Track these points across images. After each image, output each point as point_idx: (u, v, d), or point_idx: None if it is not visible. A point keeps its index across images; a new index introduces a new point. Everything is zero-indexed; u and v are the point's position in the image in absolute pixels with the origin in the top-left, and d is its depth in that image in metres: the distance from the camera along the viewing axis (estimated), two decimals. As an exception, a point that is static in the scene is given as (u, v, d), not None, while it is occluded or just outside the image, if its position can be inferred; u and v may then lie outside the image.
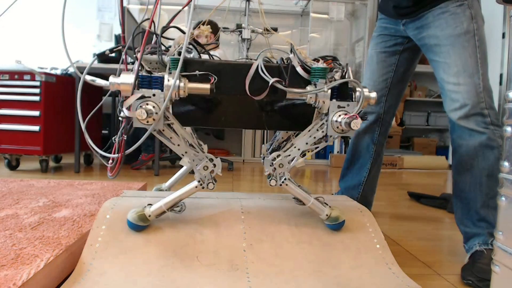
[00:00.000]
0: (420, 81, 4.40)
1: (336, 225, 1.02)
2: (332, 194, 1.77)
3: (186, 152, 0.93)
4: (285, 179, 0.97)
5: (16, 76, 2.56)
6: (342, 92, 0.93)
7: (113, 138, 0.95)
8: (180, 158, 0.98)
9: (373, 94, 0.94)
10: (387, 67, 1.42)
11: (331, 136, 0.94)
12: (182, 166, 1.19)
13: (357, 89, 0.93)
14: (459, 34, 1.14)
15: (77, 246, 0.91)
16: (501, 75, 3.39)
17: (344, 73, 0.94)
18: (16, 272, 0.71)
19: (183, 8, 1.01)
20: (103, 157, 0.91)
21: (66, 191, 1.45)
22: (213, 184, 0.96)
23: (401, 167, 3.82)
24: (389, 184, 2.81)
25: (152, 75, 0.88)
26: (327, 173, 3.37)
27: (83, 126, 0.88)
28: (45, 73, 2.59)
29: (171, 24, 0.97)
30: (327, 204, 1.02)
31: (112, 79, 0.86)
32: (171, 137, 0.91)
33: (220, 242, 0.96)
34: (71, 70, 2.90)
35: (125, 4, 3.79)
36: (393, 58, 1.41)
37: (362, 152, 1.53)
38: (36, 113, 2.55)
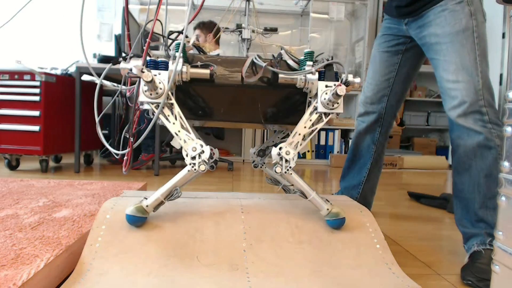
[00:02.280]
0: (420, 81, 4.40)
1: (337, 221, 1.01)
2: (332, 194, 1.78)
3: (179, 131, 0.96)
4: (290, 167, 0.98)
5: (16, 76, 2.56)
6: (329, 76, 1.02)
7: (124, 133, 1.02)
8: (182, 158, 1.00)
9: (357, 80, 1.01)
10: (390, 67, 1.42)
11: (325, 114, 1.00)
12: (183, 167, 1.20)
13: (341, 71, 1.02)
14: (457, 31, 1.14)
15: (77, 246, 0.91)
16: (501, 75, 3.39)
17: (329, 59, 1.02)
18: (16, 272, 0.71)
19: (194, 16, 1.05)
20: (113, 152, 0.99)
21: (66, 191, 1.45)
22: (205, 165, 0.96)
23: (401, 167, 3.83)
24: (389, 184, 2.81)
25: (158, 59, 0.99)
26: (327, 173, 3.37)
27: (97, 120, 0.96)
28: (45, 73, 2.59)
29: (171, 22, 1.00)
30: (328, 201, 1.02)
31: (122, 65, 0.95)
32: (168, 115, 0.97)
33: (220, 242, 0.96)
34: (71, 70, 2.90)
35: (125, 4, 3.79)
36: (396, 58, 1.41)
37: (362, 152, 1.53)
38: (36, 113, 2.55)
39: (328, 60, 1.02)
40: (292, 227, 1.03)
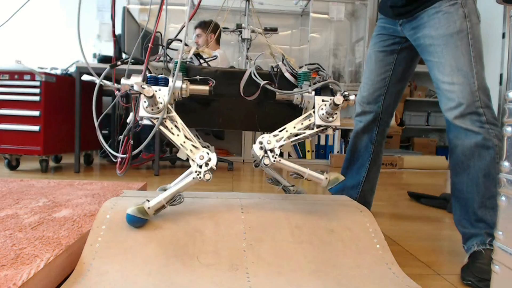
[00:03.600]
0: (420, 81, 4.40)
1: (339, 185, 1.05)
2: (332, 194, 1.77)
3: (184, 142, 0.97)
4: (277, 155, 0.98)
5: (16, 76, 2.56)
6: (325, 94, 1.05)
7: (119, 137, 1.03)
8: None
9: (352, 97, 1.00)
10: (385, 66, 1.42)
11: (319, 128, 1.01)
12: (183, 168, 1.21)
13: (337, 89, 1.03)
14: (451, 33, 1.14)
15: (77, 246, 0.91)
16: (501, 75, 3.39)
17: (325, 77, 1.05)
18: (16, 272, 0.71)
19: (189, 20, 1.05)
20: (112, 155, 1.01)
21: (66, 191, 1.45)
22: (210, 174, 0.96)
23: (401, 167, 3.82)
24: (389, 184, 2.81)
25: (158, 76, 1.00)
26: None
27: (96, 124, 0.98)
28: (45, 73, 2.59)
29: (171, 22, 1.00)
30: (322, 172, 1.06)
31: (123, 80, 0.96)
32: (171, 128, 0.97)
33: (220, 242, 0.96)
34: (71, 70, 2.90)
35: (125, 4, 3.79)
36: (391, 57, 1.41)
37: (360, 152, 1.53)
38: (36, 113, 2.55)
39: (322, 75, 1.05)
40: (292, 227, 1.03)
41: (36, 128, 2.56)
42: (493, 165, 1.09)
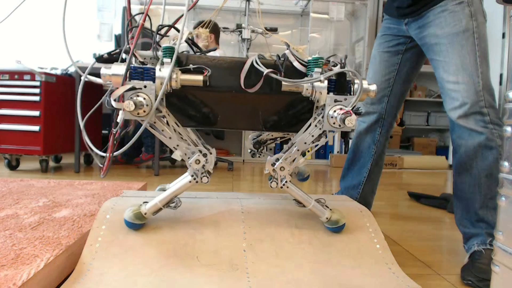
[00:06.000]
0: (420, 81, 4.40)
1: (336, 228, 1.02)
2: (332, 194, 1.77)
3: (177, 145, 0.92)
4: (286, 181, 0.97)
5: (16, 76, 2.56)
6: (340, 85, 0.90)
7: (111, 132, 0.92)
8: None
9: (373, 87, 0.90)
10: (390, 67, 1.42)
11: (330, 132, 0.92)
12: (183, 168, 1.19)
13: (356, 80, 0.91)
14: (457, 32, 1.14)
15: (77, 246, 0.91)
16: (501, 75, 3.39)
17: (342, 66, 0.91)
18: (16, 272, 0.71)
19: (188, 10, 1.00)
20: (99, 156, 0.90)
21: (66, 191, 1.45)
22: (207, 177, 0.93)
23: (401, 167, 3.82)
24: (389, 184, 2.81)
25: (144, 66, 0.86)
26: (327, 173, 3.37)
27: (81, 124, 0.90)
28: (45, 73, 2.59)
29: (169, 23, 0.96)
30: (327, 207, 1.02)
31: (103, 70, 0.84)
32: (162, 130, 0.89)
33: (220, 242, 0.96)
34: (71, 70, 2.90)
35: (125, 4, 3.79)
36: (396, 58, 1.40)
37: (363, 152, 1.52)
38: (36, 113, 2.55)
39: (340, 63, 0.90)
40: (292, 227, 1.03)
41: (36, 128, 2.55)
42: (495, 166, 1.09)
